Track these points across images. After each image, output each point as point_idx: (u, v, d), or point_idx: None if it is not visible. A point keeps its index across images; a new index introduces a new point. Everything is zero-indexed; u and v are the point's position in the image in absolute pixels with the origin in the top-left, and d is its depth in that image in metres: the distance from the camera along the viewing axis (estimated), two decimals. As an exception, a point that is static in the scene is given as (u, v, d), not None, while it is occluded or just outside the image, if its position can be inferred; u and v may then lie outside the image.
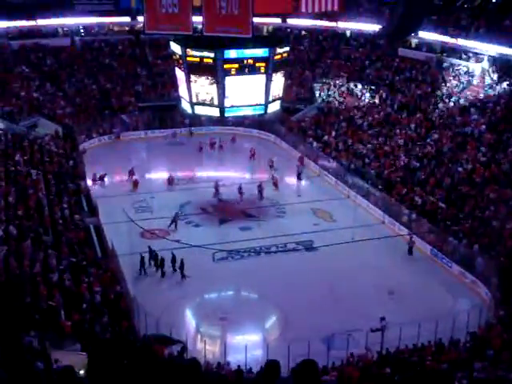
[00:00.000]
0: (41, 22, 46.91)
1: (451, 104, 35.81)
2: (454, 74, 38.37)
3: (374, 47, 45.35)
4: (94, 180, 33.19)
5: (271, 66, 23.48)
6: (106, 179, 34.02)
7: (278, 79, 24.72)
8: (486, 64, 37.29)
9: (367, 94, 41.08)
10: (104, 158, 36.82)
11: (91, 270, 21.02)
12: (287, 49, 25.27)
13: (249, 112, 25.63)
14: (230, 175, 35.62)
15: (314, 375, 4.50)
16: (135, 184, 33.03)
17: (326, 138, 37.78)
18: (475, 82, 36.78)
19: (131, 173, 33.74)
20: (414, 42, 42.85)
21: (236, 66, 22.96)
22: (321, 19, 45.98)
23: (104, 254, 23.45)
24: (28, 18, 46.00)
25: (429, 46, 41.56)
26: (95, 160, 35.92)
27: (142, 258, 23.98)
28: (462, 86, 36.99)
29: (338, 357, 17.59)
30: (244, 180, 33.92)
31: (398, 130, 35.44)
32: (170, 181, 33.66)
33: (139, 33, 47.44)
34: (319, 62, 47.06)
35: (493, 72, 36.38)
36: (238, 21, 20.75)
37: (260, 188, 32.07)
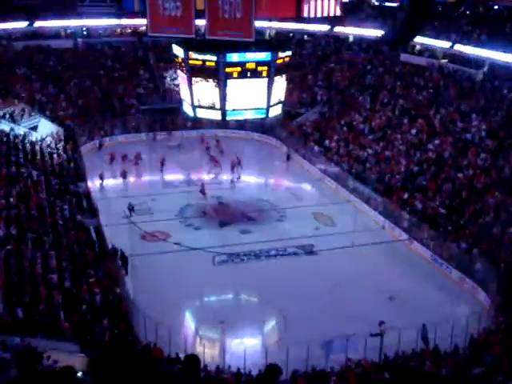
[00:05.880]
0: (44, 23, 47.05)
1: (452, 110, 35.81)
2: (455, 80, 38.39)
3: (377, 52, 45.39)
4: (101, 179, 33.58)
5: (273, 70, 23.52)
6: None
7: (280, 83, 24.75)
8: (487, 70, 37.32)
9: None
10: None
11: (91, 272, 21.03)
12: (289, 53, 25.33)
13: (250, 115, 25.67)
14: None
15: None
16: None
17: (327, 142, 37.78)
18: (476, 88, 36.78)
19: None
20: (415, 47, 42.91)
21: (238, 69, 23.01)
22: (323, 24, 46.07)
23: (104, 255, 23.45)
24: (31, 19, 46.20)
25: (431, 52, 41.61)
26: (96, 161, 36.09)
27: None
28: (462, 91, 36.98)
29: (336, 361, 17.57)
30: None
31: (399, 136, 35.45)
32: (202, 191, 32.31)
33: (142, 35, 47.58)
34: (321, 66, 47.10)
35: (494, 78, 36.40)
36: (241, 24, 20.81)
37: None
